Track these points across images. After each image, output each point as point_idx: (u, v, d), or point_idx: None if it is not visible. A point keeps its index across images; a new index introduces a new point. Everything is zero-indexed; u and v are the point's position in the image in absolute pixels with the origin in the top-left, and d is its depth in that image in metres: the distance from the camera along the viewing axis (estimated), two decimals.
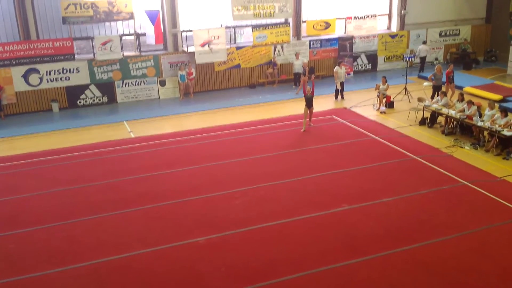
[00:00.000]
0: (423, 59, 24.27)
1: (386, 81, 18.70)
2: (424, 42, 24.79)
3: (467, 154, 14.16)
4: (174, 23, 21.24)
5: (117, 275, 9.01)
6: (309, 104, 16.12)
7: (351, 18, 23.66)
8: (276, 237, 10.04)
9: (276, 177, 12.82)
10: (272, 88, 22.53)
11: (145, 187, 12.60)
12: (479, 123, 14.55)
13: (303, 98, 16.29)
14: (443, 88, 18.45)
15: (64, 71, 19.92)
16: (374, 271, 8.80)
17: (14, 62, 19.09)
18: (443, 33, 25.78)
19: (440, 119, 16.45)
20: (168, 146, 15.57)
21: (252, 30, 21.81)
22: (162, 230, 10.50)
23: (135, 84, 21.06)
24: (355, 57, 24.40)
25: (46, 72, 19.65)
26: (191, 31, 21.12)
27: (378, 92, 18.72)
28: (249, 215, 10.95)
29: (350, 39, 23.91)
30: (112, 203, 11.74)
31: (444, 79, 18.93)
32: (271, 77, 22.99)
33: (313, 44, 23.55)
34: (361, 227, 10.32)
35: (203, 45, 20.78)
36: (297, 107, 18.48)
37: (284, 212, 11.01)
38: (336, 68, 20.20)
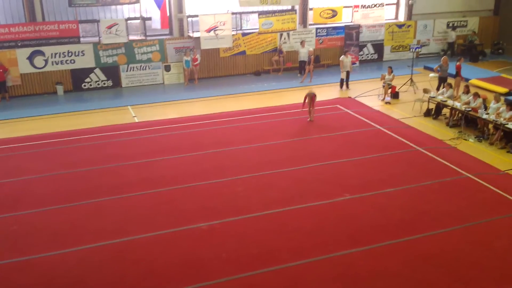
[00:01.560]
0: (451, 44, 25.21)
1: (392, 72, 18.65)
2: (454, 29, 25.29)
3: (471, 146, 14.13)
4: (180, 8, 21.12)
5: (118, 259, 9.07)
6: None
7: (358, 6, 23.48)
8: (277, 225, 10.07)
9: (279, 165, 12.83)
10: (277, 76, 22.43)
11: (148, 172, 12.62)
12: (484, 116, 14.49)
13: (306, 87, 16.21)
14: (450, 80, 18.30)
15: (69, 54, 19.87)
16: (374, 261, 8.83)
17: (19, 44, 19.05)
18: (451, 24, 25.55)
19: (445, 111, 16.39)
20: (172, 132, 15.57)
21: (258, 17, 21.67)
22: (164, 215, 10.54)
23: (140, 69, 21.01)
24: (361, 47, 24.25)
25: (51, 54, 19.60)
26: (197, 16, 21.00)
27: (384, 82, 18.65)
28: (251, 202, 10.98)
29: (357, 28, 23.75)
30: (114, 188, 11.79)
31: (450, 70, 18.73)
32: (277, 64, 22.89)
33: (319, 32, 23.40)
34: (363, 217, 10.33)
35: (208, 30, 20.68)
36: (302, 96, 18.32)
37: (286, 200, 11.03)
38: (342, 57, 20.11)
